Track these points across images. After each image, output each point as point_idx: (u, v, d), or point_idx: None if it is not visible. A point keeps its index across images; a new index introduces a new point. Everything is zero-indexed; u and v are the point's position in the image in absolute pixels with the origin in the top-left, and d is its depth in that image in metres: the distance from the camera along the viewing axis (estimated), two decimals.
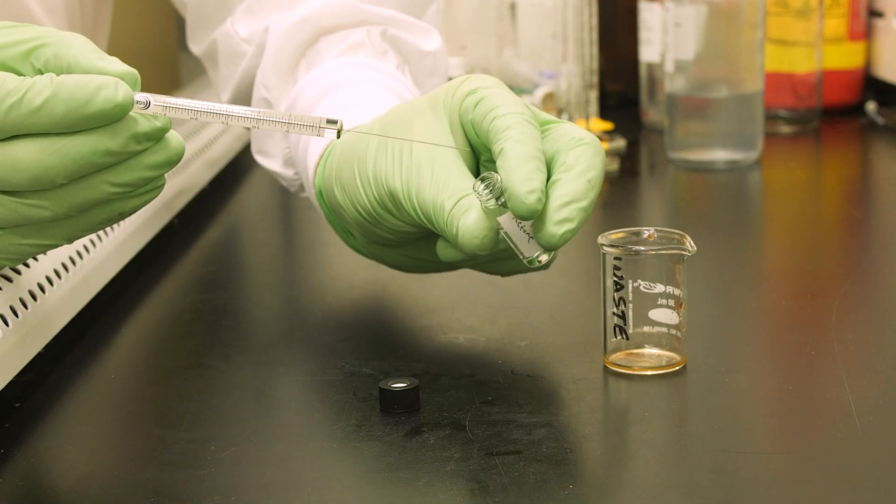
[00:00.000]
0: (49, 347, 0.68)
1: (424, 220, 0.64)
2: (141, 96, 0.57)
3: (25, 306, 0.66)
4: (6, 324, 0.63)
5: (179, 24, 1.55)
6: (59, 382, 0.67)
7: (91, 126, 0.56)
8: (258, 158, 0.89)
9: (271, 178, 1.17)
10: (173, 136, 0.58)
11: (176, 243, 0.92)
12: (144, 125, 0.57)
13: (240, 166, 1.19)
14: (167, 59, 1.54)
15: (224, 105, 0.59)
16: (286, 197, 1.10)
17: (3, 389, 0.62)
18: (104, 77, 0.56)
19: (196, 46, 0.93)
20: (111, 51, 0.90)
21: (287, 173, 0.86)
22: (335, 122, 0.59)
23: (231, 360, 0.69)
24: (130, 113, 0.56)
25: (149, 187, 0.59)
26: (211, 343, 0.72)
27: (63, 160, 0.56)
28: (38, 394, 0.65)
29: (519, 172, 0.60)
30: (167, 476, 0.56)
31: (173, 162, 0.59)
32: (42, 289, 0.68)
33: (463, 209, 0.62)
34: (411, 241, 0.69)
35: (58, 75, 0.55)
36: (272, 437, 0.59)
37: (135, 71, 0.58)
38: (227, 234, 1.00)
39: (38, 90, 0.55)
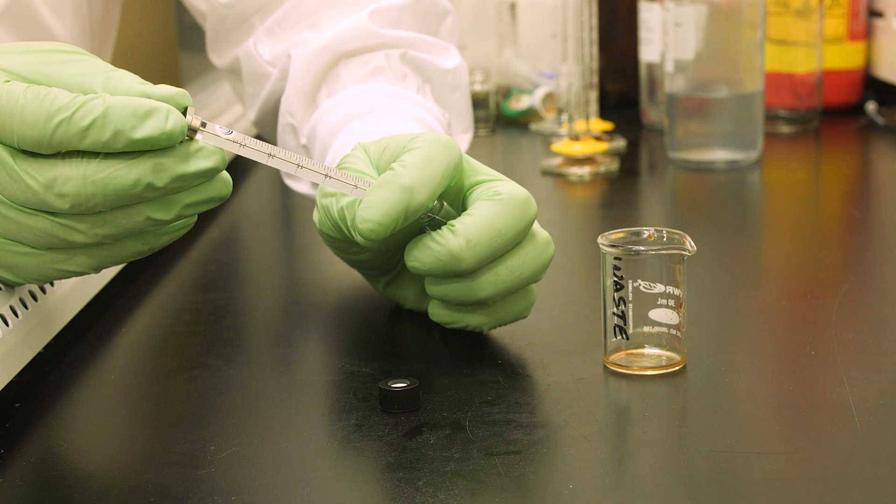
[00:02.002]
0: (49, 347, 0.68)
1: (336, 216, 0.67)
2: (200, 123, 0.58)
3: (25, 306, 0.66)
4: (6, 324, 0.63)
5: (179, 24, 1.55)
6: (59, 382, 0.66)
7: (138, 150, 0.56)
8: (288, 182, 0.91)
9: (271, 178, 1.17)
10: (222, 175, 0.59)
11: (176, 243, 0.92)
12: (194, 166, 0.57)
13: (240, 166, 1.19)
14: (167, 59, 1.54)
15: (293, 154, 0.62)
16: (286, 197, 1.10)
17: (3, 389, 0.62)
18: (157, 104, 0.56)
19: (217, 60, 0.95)
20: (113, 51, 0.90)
21: (316, 195, 0.87)
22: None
23: (231, 360, 0.69)
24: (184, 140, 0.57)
25: (181, 224, 0.61)
26: (211, 343, 0.72)
27: (104, 191, 0.57)
28: (38, 394, 0.65)
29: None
30: (167, 476, 0.56)
31: (215, 201, 0.59)
32: (42, 289, 0.68)
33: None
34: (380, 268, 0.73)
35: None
36: (272, 437, 0.59)
37: (184, 92, 0.58)
38: (227, 234, 1.00)
39: (89, 109, 0.56)
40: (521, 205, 0.65)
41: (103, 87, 0.58)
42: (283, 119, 0.87)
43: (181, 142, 0.57)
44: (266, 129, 0.92)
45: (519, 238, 0.65)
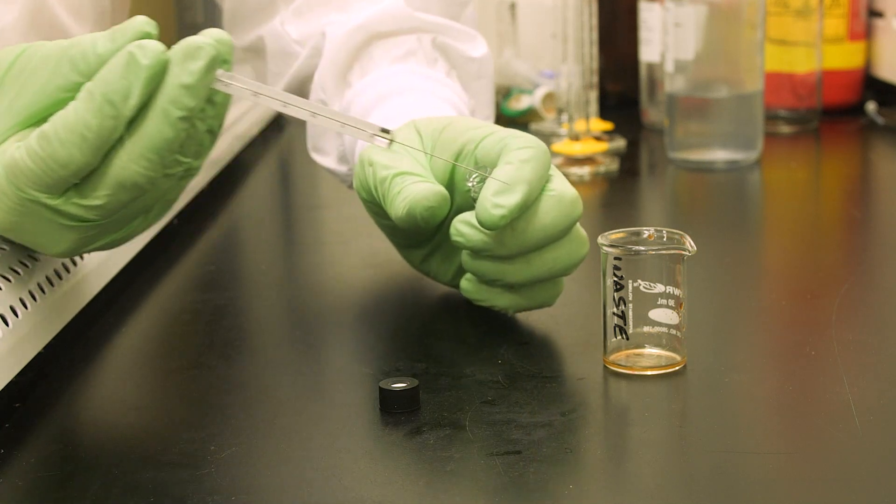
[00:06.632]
0: (49, 347, 0.68)
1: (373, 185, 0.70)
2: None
3: (25, 306, 0.66)
4: (6, 324, 0.63)
5: (179, 24, 1.55)
6: (59, 382, 0.66)
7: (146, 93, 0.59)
8: (314, 156, 0.91)
9: (271, 178, 1.17)
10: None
11: (176, 243, 0.92)
12: (194, 65, 0.59)
13: (240, 166, 1.19)
14: None
15: (287, 94, 0.63)
16: (286, 197, 1.10)
17: (2, 389, 0.62)
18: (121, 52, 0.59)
19: (236, 39, 0.97)
20: None
21: (341, 170, 0.89)
22: (388, 132, 0.65)
23: (231, 360, 0.69)
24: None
25: (182, 172, 0.62)
26: (211, 343, 0.72)
27: (158, 158, 0.60)
28: (39, 394, 0.65)
29: (501, 185, 0.65)
30: (167, 476, 0.56)
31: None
32: (42, 289, 0.68)
33: (410, 180, 0.68)
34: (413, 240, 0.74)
35: None
36: (272, 437, 0.59)
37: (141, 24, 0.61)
38: (226, 235, 1.00)
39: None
40: (570, 205, 0.67)
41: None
42: (315, 94, 0.88)
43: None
44: None
45: (561, 235, 0.68)
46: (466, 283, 0.71)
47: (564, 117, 1.23)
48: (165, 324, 0.78)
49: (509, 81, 1.36)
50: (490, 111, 0.92)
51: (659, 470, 0.56)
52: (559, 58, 1.20)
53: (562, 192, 0.67)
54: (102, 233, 0.63)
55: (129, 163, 0.59)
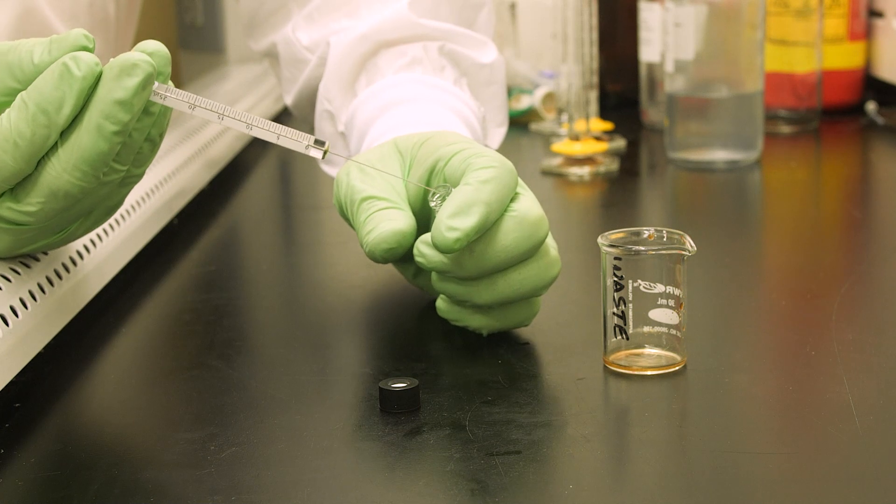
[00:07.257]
0: (49, 347, 0.68)
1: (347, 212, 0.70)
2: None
3: (25, 306, 0.66)
4: (6, 324, 0.63)
5: (180, 24, 1.55)
6: (59, 382, 0.67)
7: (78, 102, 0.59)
8: (324, 167, 0.92)
9: (271, 178, 1.17)
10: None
11: (176, 243, 0.92)
12: (129, 82, 0.59)
13: (240, 166, 1.19)
14: None
15: (222, 105, 0.62)
16: (286, 197, 1.10)
17: (2, 389, 0.62)
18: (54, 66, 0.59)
19: (254, 44, 0.97)
20: None
21: None
22: (322, 144, 0.63)
23: (231, 360, 0.69)
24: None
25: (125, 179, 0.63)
26: (211, 343, 0.72)
27: (90, 167, 0.60)
28: (38, 394, 0.65)
29: (457, 207, 0.64)
30: (167, 476, 0.56)
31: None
32: (42, 289, 0.68)
33: (376, 206, 0.68)
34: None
35: None
36: (272, 437, 0.59)
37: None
38: (227, 234, 1.00)
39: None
40: (533, 225, 0.66)
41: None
42: (321, 105, 0.88)
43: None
44: (303, 114, 0.93)
45: (525, 256, 0.66)
46: (441, 303, 0.69)
47: (564, 117, 1.23)
48: (165, 324, 0.78)
49: (509, 81, 1.36)
50: (503, 117, 0.91)
51: (659, 470, 0.56)
52: (559, 58, 1.20)
53: (524, 212, 0.66)
54: (39, 236, 0.64)
55: (62, 172, 0.60)
